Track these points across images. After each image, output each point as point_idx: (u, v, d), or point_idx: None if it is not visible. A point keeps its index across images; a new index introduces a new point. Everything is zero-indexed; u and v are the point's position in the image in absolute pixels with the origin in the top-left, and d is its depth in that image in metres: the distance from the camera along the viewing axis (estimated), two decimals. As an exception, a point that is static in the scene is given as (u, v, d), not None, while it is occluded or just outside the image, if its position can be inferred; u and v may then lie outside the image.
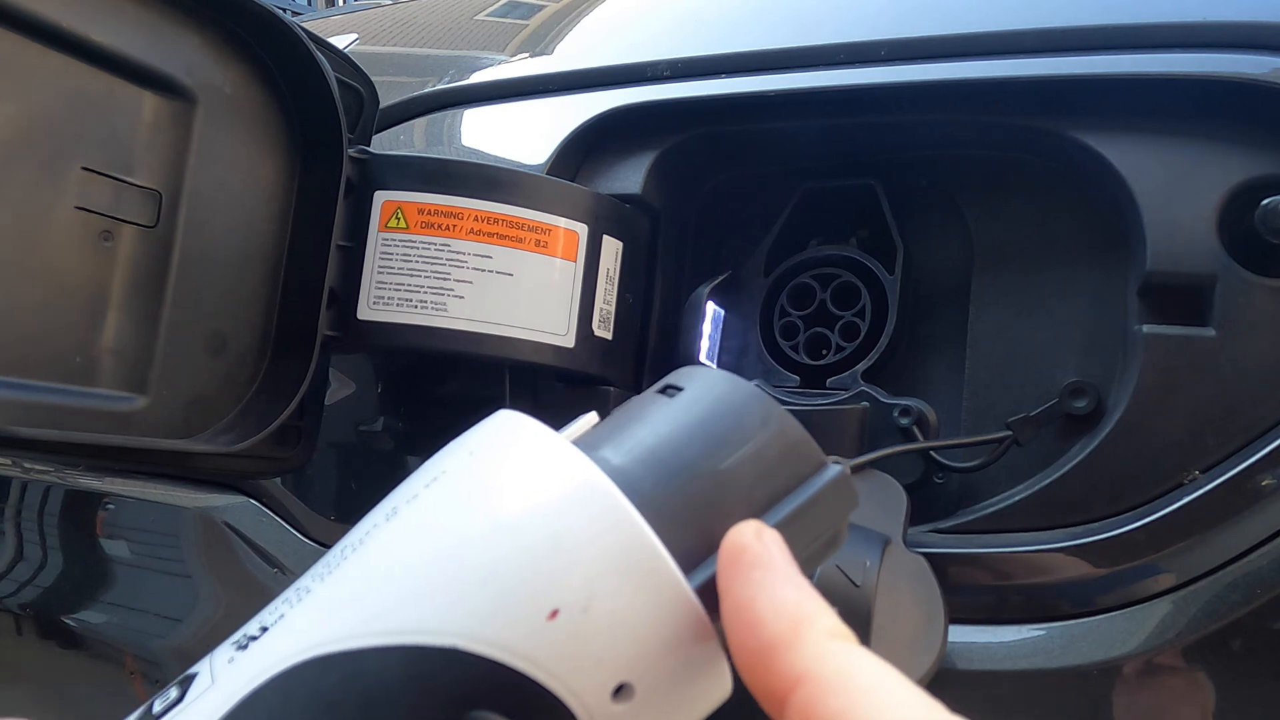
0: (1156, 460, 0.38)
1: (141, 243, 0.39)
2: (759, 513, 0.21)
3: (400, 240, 0.44)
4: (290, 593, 0.21)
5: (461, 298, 0.44)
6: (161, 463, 0.42)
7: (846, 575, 0.34)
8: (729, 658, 0.21)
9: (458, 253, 0.44)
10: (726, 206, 0.55)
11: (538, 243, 0.45)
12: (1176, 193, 0.39)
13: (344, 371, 0.55)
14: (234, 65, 0.40)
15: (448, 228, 0.44)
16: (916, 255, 0.49)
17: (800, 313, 0.50)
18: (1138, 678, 0.36)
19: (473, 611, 0.18)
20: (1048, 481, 0.40)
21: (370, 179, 0.45)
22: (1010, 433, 0.42)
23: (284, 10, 0.45)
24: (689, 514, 0.20)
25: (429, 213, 0.44)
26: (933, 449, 0.43)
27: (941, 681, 0.36)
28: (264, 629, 0.20)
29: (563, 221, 0.46)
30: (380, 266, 0.45)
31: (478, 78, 0.60)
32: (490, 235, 0.44)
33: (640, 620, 0.19)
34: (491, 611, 0.18)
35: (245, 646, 0.20)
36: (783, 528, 0.20)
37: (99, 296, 0.38)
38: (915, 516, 0.40)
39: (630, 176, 0.50)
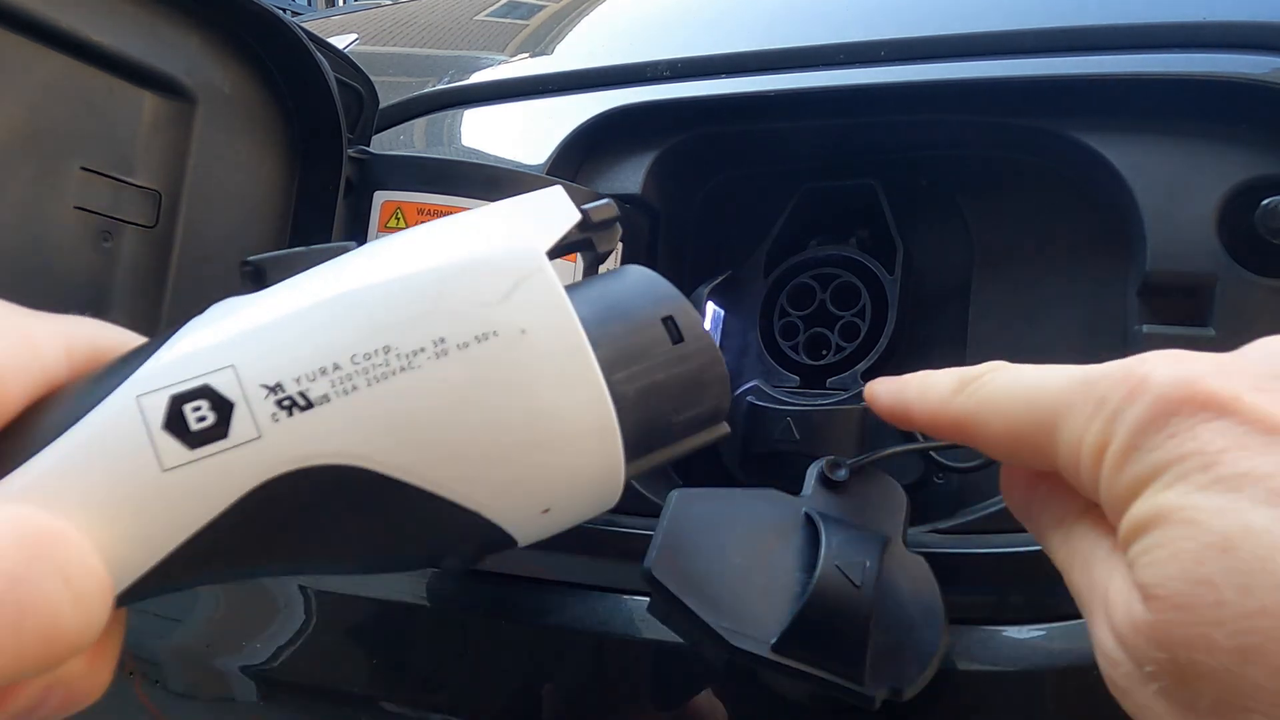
0: (1156, 460, 0.38)
1: (141, 243, 0.39)
2: (668, 444, 0.28)
3: None
4: (334, 372, 0.23)
5: (460, 297, 0.44)
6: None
7: (846, 575, 0.33)
8: None
9: (456, 252, 0.44)
10: (726, 206, 0.55)
11: (537, 242, 0.45)
12: (1176, 193, 0.39)
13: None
14: (234, 65, 0.40)
15: (446, 227, 0.44)
16: (916, 255, 0.49)
17: (800, 313, 0.50)
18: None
19: (501, 500, 0.25)
20: (1048, 482, 0.40)
21: (370, 179, 0.45)
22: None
23: (284, 10, 0.45)
24: (641, 442, 0.27)
25: (428, 212, 0.44)
26: (933, 449, 0.43)
27: (941, 681, 0.36)
28: (306, 400, 0.23)
29: (562, 221, 0.46)
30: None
31: (478, 78, 0.60)
32: (489, 235, 0.44)
33: (581, 484, 0.26)
34: (510, 503, 0.25)
35: (289, 410, 0.23)
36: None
37: (99, 296, 0.38)
38: (915, 516, 0.40)
39: (630, 176, 0.50)
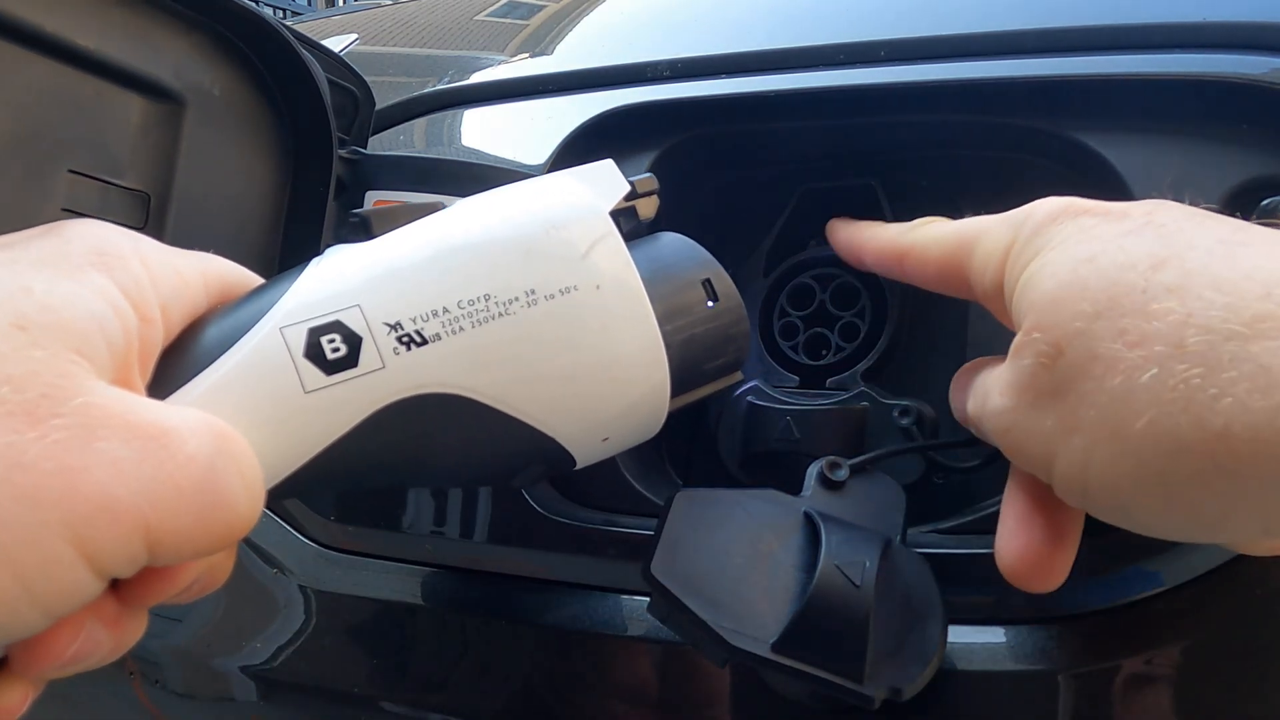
0: (1156, 460, 0.38)
1: None
2: (698, 387, 0.34)
3: None
4: (444, 315, 0.27)
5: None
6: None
7: (846, 575, 0.33)
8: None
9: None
10: (726, 206, 0.55)
11: (533, 241, 0.45)
12: (1177, 193, 0.39)
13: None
14: (223, 68, 0.40)
15: (437, 226, 0.44)
16: (916, 255, 0.49)
17: (800, 313, 0.50)
18: (1138, 678, 0.36)
19: (571, 427, 0.30)
20: (1047, 482, 0.40)
21: (362, 179, 0.45)
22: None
23: (283, 11, 0.46)
24: (679, 384, 0.32)
25: (418, 212, 0.44)
26: (933, 449, 0.43)
27: (941, 681, 0.36)
28: (421, 337, 0.27)
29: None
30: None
31: (478, 78, 0.60)
32: (481, 234, 0.44)
33: (634, 416, 0.31)
34: (578, 431, 0.30)
35: (408, 346, 0.27)
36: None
37: None
38: (915, 516, 0.40)
39: (631, 177, 0.50)
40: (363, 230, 0.30)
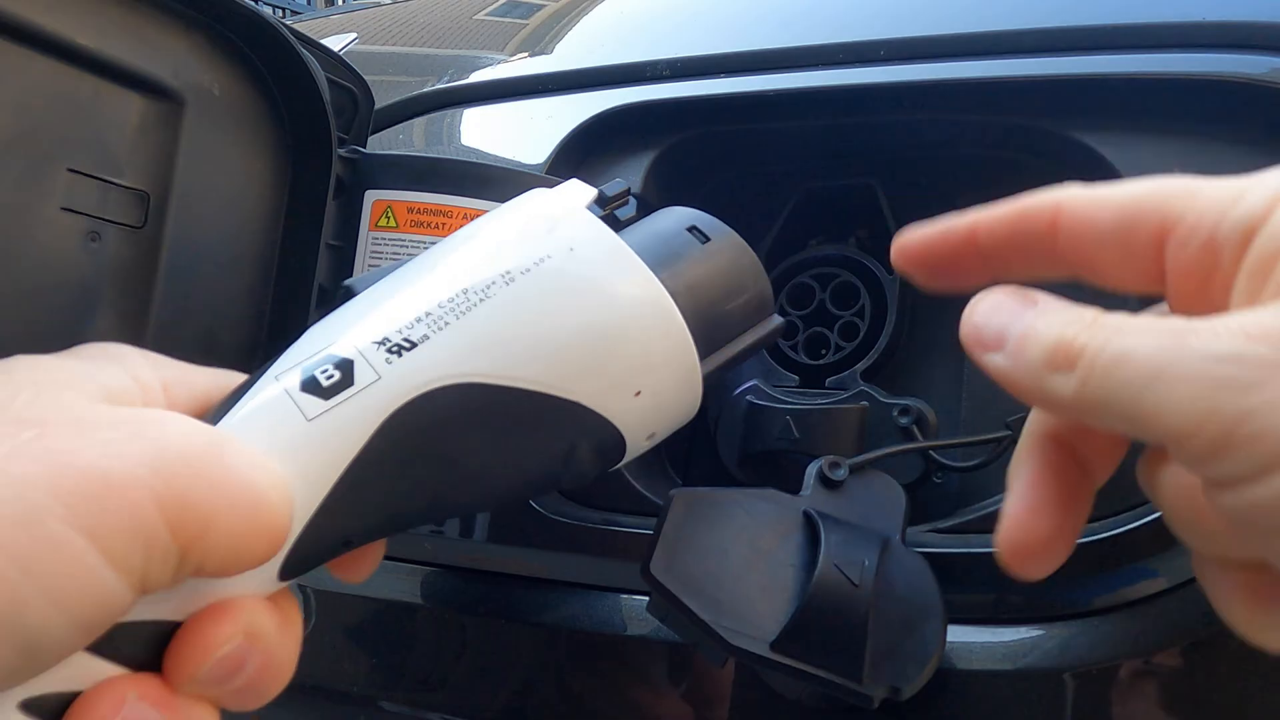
0: (1156, 460, 0.38)
1: (129, 243, 0.39)
2: (731, 337, 0.33)
3: (390, 239, 0.44)
4: (426, 318, 0.28)
5: (453, 295, 0.45)
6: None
7: (845, 575, 0.33)
8: None
9: (447, 250, 0.45)
10: (726, 206, 0.54)
11: (530, 241, 0.45)
12: (1176, 192, 0.39)
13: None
14: (222, 67, 0.40)
15: (437, 226, 0.44)
16: (916, 255, 0.49)
17: (799, 312, 0.50)
18: (1137, 678, 0.36)
19: (593, 386, 0.29)
20: (1047, 482, 0.40)
21: (361, 178, 0.45)
22: (1010, 432, 0.42)
23: (283, 10, 0.45)
24: (705, 335, 0.31)
25: (418, 211, 0.44)
26: (932, 449, 0.43)
27: (941, 681, 0.36)
28: (410, 342, 0.28)
29: (557, 220, 0.46)
30: (371, 265, 0.45)
31: (477, 77, 0.60)
32: (480, 233, 0.44)
33: (657, 361, 0.30)
34: (603, 389, 0.29)
35: (398, 353, 0.28)
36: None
37: (87, 296, 0.38)
38: (915, 516, 0.40)
39: (630, 176, 0.50)
40: (347, 299, 0.31)
